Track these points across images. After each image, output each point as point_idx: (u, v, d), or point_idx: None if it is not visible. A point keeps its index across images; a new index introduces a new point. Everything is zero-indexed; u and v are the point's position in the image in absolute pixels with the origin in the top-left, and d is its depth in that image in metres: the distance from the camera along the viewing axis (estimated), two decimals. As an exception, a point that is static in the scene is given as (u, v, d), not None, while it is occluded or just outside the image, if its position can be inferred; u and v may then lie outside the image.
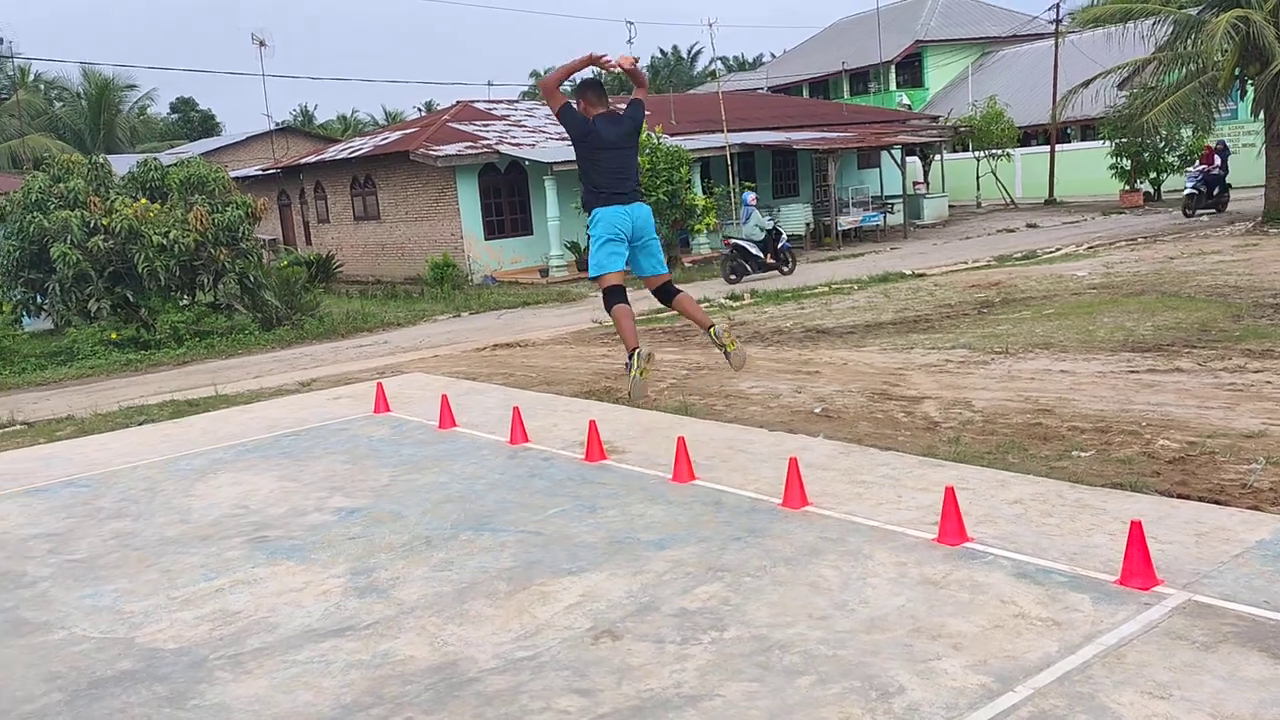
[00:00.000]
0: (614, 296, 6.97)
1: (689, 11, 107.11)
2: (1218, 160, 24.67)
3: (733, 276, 19.81)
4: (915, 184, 32.99)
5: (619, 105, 7.06)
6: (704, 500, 6.31)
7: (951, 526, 5.29)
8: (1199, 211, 24.58)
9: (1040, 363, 9.78)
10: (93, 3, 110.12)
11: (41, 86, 49.35)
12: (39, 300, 17.41)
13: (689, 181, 23.19)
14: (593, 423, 7.64)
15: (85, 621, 5.17)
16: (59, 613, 5.32)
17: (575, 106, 6.75)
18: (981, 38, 46.16)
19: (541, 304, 19.56)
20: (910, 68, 46.33)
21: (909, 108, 41.49)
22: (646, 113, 7.21)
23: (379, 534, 6.16)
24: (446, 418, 8.88)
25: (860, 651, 4.20)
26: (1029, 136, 37.99)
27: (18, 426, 10.92)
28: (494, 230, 25.27)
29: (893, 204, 29.55)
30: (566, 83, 7.08)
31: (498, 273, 24.46)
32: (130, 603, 5.38)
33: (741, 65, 70.26)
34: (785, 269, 20.60)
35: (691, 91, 50.25)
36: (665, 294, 7.34)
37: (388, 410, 9.72)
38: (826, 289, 17.52)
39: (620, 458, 7.42)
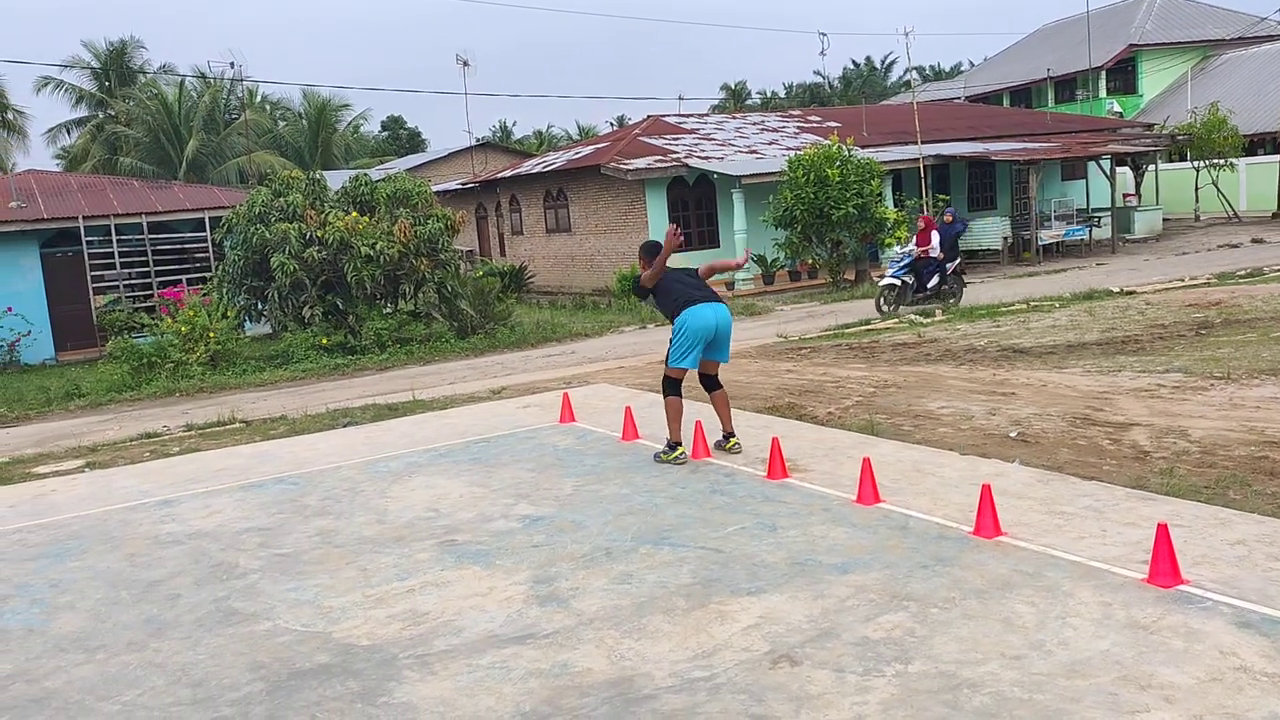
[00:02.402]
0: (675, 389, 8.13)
1: (883, 21, 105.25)
2: (936, 240, 17.50)
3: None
4: (1125, 196, 31.07)
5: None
6: (889, 524, 6.09)
7: (1164, 566, 4.89)
8: (901, 306, 17.50)
9: (1267, 390, 8.97)
10: (314, 28, 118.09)
11: (267, 107, 53.23)
12: (259, 306, 18.73)
13: (880, 195, 22.66)
14: (775, 440, 7.53)
15: (288, 614, 5.47)
16: (265, 604, 5.65)
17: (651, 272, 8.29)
18: (1202, 40, 43.07)
19: (726, 317, 19.48)
20: (1122, 73, 43.73)
21: (1120, 115, 39.20)
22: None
23: (561, 543, 6.25)
24: (630, 429, 8.95)
25: (1059, 697, 3.92)
26: (1254, 145, 35.13)
27: (237, 424, 11.74)
28: (682, 243, 25.40)
29: (1099, 217, 27.93)
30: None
31: (683, 285, 24.54)
32: (329, 598, 5.65)
33: (937, 75, 68.25)
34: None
35: (884, 103, 49.21)
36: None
37: (573, 420, 9.90)
38: (1024, 306, 16.72)
39: (803, 476, 7.27)
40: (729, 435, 8.18)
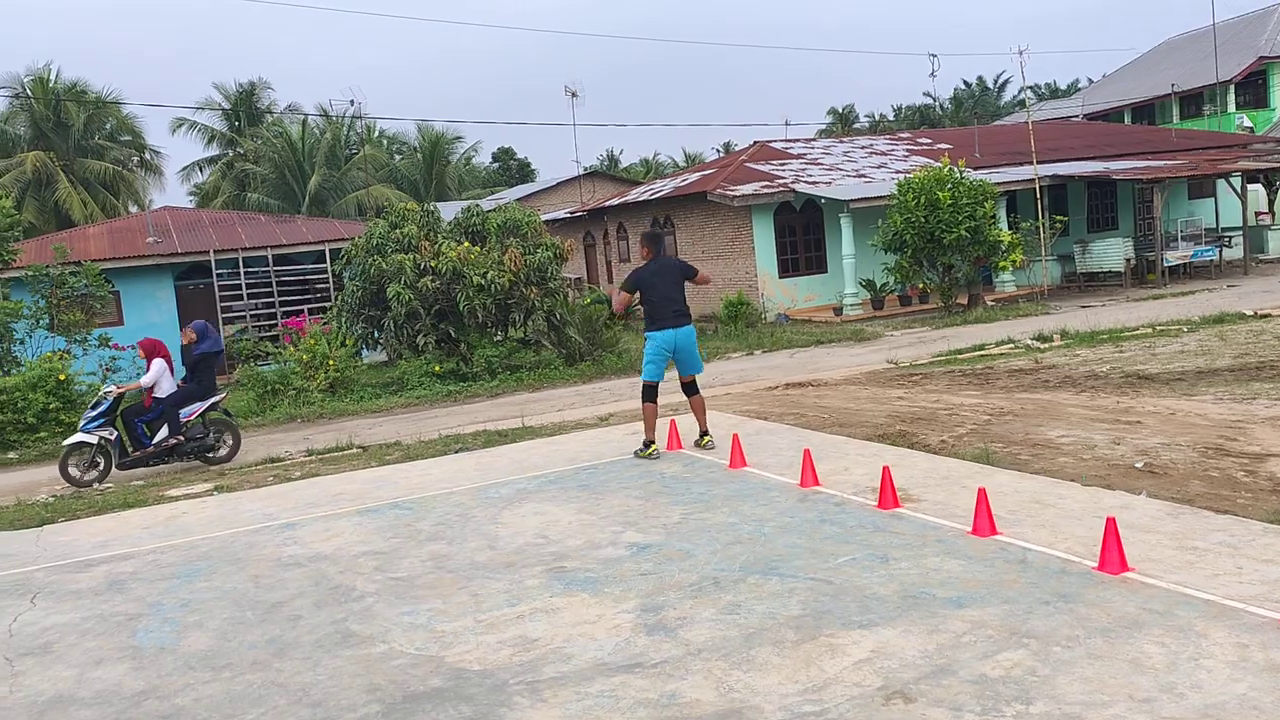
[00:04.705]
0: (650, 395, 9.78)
1: (995, 41, 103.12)
2: (156, 370, 12.04)
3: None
4: (1259, 214, 29.67)
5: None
6: (1007, 558, 5.90)
7: (1306, 607, 4.61)
8: (108, 475, 11.81)
9: None
10: (428, 65, 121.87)
11: (384, 142, 55.08)
12: (376, 335, 19.29)
13: (993, 216, 22.13)
14: (886, 468, 7.39)
15: (403, 638, 5.59)
16: (381, 627, 5.78)
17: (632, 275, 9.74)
18: (1340, 49, 40.98)
19: (835, 342, 19.29)
20: (1253, 87, 41.87)
21: (1250, 130, 37.51)
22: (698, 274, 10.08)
23: (669, 572, 6.24)
24: (737, 457, 8.91)
25: (1192, 744, 3.73)
26: (1402, 157, 33.13)
27: (355, 450, 12.09)
28: (788, 268, 25.31)
29: (1230, 237, 26.72)
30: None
31: (791, 311, 24.42)
32: (442, 623, 5.75)
33: (1054, 93, 66.46)
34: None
35: (998, 122, 48.14)
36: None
37: (680, 448, 9.90)
38: (1150, 330, 16.07)
39: (915, 506, 7.11)
40: (704, 434, 9.82)
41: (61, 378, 15.56)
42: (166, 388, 12.13)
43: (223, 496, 10.00)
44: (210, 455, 12.24)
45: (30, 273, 19.62)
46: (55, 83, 42.89)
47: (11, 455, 14.19)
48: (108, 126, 45.41)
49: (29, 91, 42.25)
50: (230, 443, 12.48)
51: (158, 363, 12.07)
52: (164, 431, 11.98)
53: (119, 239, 24.92)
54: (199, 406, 12.11)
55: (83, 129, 43.29)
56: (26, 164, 40.28)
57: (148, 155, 47.66)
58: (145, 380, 12.08)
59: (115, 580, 7.24)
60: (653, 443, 9.63)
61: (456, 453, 11.11)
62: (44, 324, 19.22)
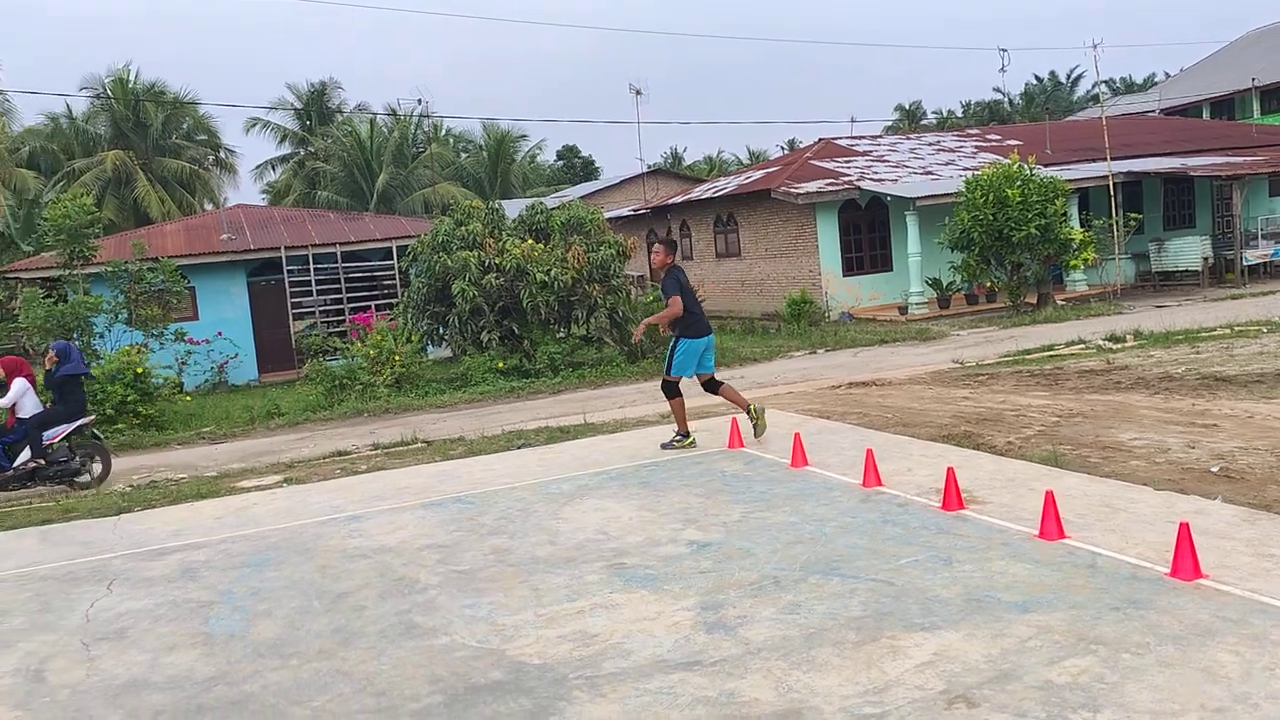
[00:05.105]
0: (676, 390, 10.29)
1: (1068, 35, 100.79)
2: (17, 390, 11.53)
3: None
4: (1343, 211, 28.66)
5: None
6: (1075, 562, 5.78)
7: (1391, 619, 4.45)
8: None
9: None
10: (495, 65, 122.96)
11: (451, 140, 55.68)
12: (441, 331, 19.54)
13: (1065, 214, 21.68)
14: (950, 469, 7.28)
15: (465, 630, 5.66)
16: (444, 619, 5.86)
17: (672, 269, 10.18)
18: None
19: (899, 342, 19.07)
20: (1339, 79, 40.42)
21: (1336, 124, 36.19)
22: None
23: (729, 570, 6.22)
24: (799, 456, 8.85)
25: (1267, 757, 3.62)
26: None
27: (419, 444, 12.26)
28: (852, 266, 25.08)
29: (1313, 235, 25.87)
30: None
31: (855, 309, 24.20)
32: (503, 616, 5.81)
33: (1129, 87, 64.87)
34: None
35: (1070, 118, 47.10)
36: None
37: (741, 446, 9.87)
38: (1228, 330, 15.62)
39: (980, 508, 7.00)
40: (748, 410, 10.13)
41: (139, 371, 16.04)
42: (29, 408, 11.51)
43: (292, 488, 10.21)
44: (75, 480, 11.53)
45: (110, 268, 20.23)
46: (135, 83, 44.13)
47: (91, 445, 14.63)
48: (184, 126, 46.61)
49: (109, 92, 43.52)
50: (99, 468, 11.77)
51: (19, 382, 11.49)
52: (25, 454, 11.38)
53: (195, 236, 25.56)
54: (64, 429, 11.55)
55: (161, 129, 44.48)
56: (107, 163, 41.50)
57: (222, 154, 48.88)
58: (4, 401, 11.51)
59: (188, 568, 7.44)
60: (689, 434, 10.15)
61: (519, 448, 11.21)
62: (123, 318, 19.81)
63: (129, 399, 15.67)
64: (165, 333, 20.07)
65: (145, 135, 43.78)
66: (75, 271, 19.92)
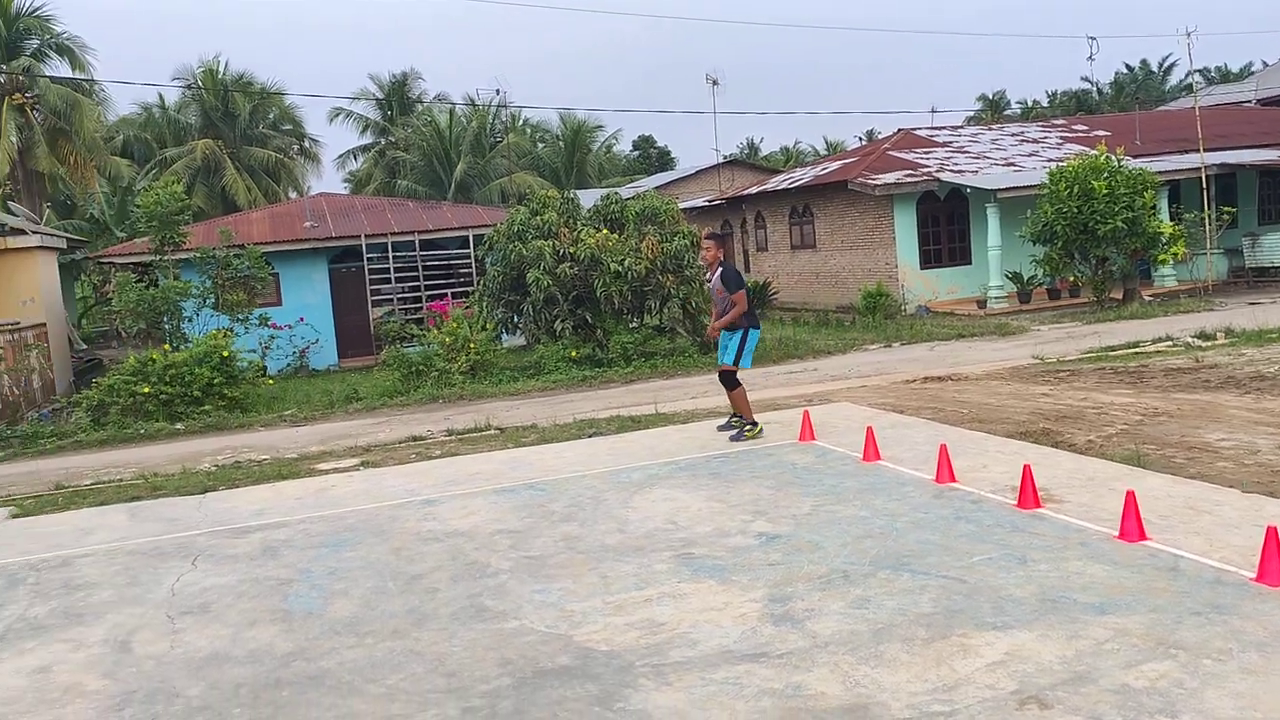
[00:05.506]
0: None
1: (1160, 22, 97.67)
2: None
3: None
4: None
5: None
6: (1156, 564, 5.64)
7: None
8: None
9: None
10: (572, 55, 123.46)
11: (528, 130, 56.09)
12: (515, 320, 19.73)
13: (1154, 207, 21.04)
14: (1027, 466, 7.15)
15: (534, 615, 5.73)
16: (513, 604, 5.94)
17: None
18: None
19: (977, 336, 18.72)
20: None
21: None
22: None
23: (797, 563, 6.20)
24: (871, 450, 8.76)
25: (1355, 771, 3.50)
26: None
27: (492, 431, 12.42)
28: (930, 259, 24.69)
29: None
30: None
31: (932, 303, 23.82)
32: (572, 602, 5.87)
33: (1224, 76, 62.58)
34: None
35: (1162, 108, 45.66)
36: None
37: (813, 439, 9.80)
38: (1325, 330, 15.03)
39: (1057, 507, 6.86)
40: (753, 420, 10.34)
41: (225, 354, 16.50)
42: None
43: (369, 471, 10.43)
44: None
45: (199, 254, 20.84)
46: (224, 74, 45.33)
47: (179, 426, 15.13)
48: (271, 116, 47.74)
49: (200, 83, 44.77)
50: None
51: None
52: None
53: (279, 223, 26.17)
54: None
55: (248, 118, 45.62)
56: (197, 152, 42.70)
57: (307, 143, 49.96)
58: None
59: (269, 547, 7.66)
60: (757, 422, 10.31)
61: (590, 437, 11.28)
62: (210, 303, 20.41)
63: (215, 381, 16.14)
64: (250, 317, 20.62)
65: (233, 125, 44.96)
66: (166, 257, 20.58)
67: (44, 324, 20.19)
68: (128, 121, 45.90)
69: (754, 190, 31.46)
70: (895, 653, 4.79)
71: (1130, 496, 6.21)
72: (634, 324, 19.30)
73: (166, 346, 17.49)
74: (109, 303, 26.35)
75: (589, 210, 20.34)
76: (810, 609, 5.43)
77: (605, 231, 18.86)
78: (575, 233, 18.87)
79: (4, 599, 6.88)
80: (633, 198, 20.56)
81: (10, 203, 31.35)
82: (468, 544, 7.25)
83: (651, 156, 70.12)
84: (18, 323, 18.36)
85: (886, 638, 4.97)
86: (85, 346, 28.11)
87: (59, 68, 37.47)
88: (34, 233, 22.06)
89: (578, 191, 23.50)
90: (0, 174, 33.90)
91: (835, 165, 29.07)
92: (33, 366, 18.29)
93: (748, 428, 10.18)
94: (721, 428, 10.62)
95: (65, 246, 25.24)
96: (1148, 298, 21.67)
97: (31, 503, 10.15)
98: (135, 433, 14.80)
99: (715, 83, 38.90)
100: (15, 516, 9.58)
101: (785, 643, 5.02)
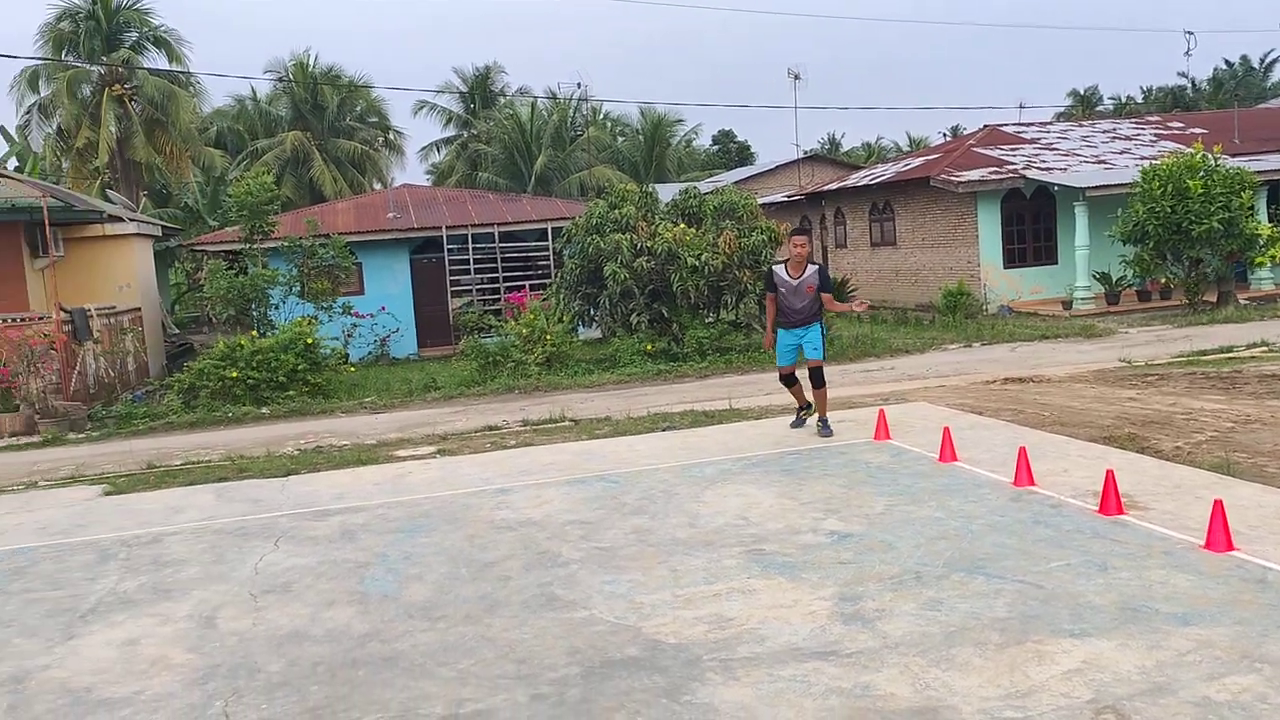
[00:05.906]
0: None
1: (1263, 15, 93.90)
2: None
3: None
4: None
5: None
6: (1243, 576, 5.47)
7: None
8: None
9: None
10: (653, 48, 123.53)
11: (608, 124, 56.25)
12: (591, 312, 19.86)
13: (1251, 208, 20.29)
14: (1110, 472, 6.97)
15: (604, 605, 5.78)
16: (583, 594, 6.00)
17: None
18: None
19: (1061, 338, 18.29)
20: None
21: None
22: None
23: (869, 562, 6.15)
24: (947, 451, 8.63)
25: None
26: None
27: (566, 422, 12.53)
28: (1014, 258, 24.16)
29: None
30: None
31: (1015, 303, 23.32)
32: (641, 594, 5.91)
33: (1331, 71, 60.03)
34: None
35: (1263, 105, 43.99)
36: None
37: (888, 438, 9.69)
38: None
39: (1140, 514, 6.68)
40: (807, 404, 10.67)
41: (309, 342, 16.91)
42: None
43: (445, 459, 10.61)
44: None
45: (286, 244, 21.36)
46: (314, 67, 46.37)
47: (264, 410, 15.55)
48: (357, 108, 48.70)
49: (290, 76, 45.87)
50: None
51: None
52: None
53: (363, 214, 26.69)
54: None
55: (336, 111, 46.60)
56: (286, 143, 43.77)
57: (391, 136, 50.84)
58: None
59: (347, 530, 7.84)
60: (808, 404, 10.66)
61: (664, 430, 11.31)
62: (296, 291, 20.90)
63: (299, 368, 16.55)
64: (334, 306, 21.07)
65: (322, 117, 45.96)
66: (255, 246, 21.12)
67: (139, 309, 20.91)
68: (221, 113, 47.24)
69: (834, 186, 31.14)
70: (967, 656, 4.72)
71: (1218, 505, 6.02)
72: (710, 319, 19.25)
73: (254, 333, 17.99)
74: (201, 289, 27.20)
75: (667, 204, 20.34)
76: (881, 609, 5.38)
77: (683, 226, 18.84)
78: (653, 227, 18.89)
79: (96, 573, 7.16)
80: (711, 192, 20.51)
81: (109, 191, 32.51)
82: (539, 533, 7.34)
83: (731, 151, 69.80)
84: (114, 307, 19.05)
85: (958, 641, 4.90)
86: (178, 331, 29.03)
87: (156, 60, 38.80)
88: (131, 220, 22.82)
89: (656, 186, 23.52)
90: (100, 163, 35.20)
91: (918, 161, 28.63)
92: (128, 350, 18.97)
93: (802, 410, 10.65)
94: (794, 424, 10.60)
95: (160, 234, 26.07)
96: (1243, 301, 20.92)
97: (124, 481, 10.55)
98: (223, 415, 15.26)
99: (797, 77, 38.55)
100: (109, 494, 9.96)
101: (855, 642, 4.98)
